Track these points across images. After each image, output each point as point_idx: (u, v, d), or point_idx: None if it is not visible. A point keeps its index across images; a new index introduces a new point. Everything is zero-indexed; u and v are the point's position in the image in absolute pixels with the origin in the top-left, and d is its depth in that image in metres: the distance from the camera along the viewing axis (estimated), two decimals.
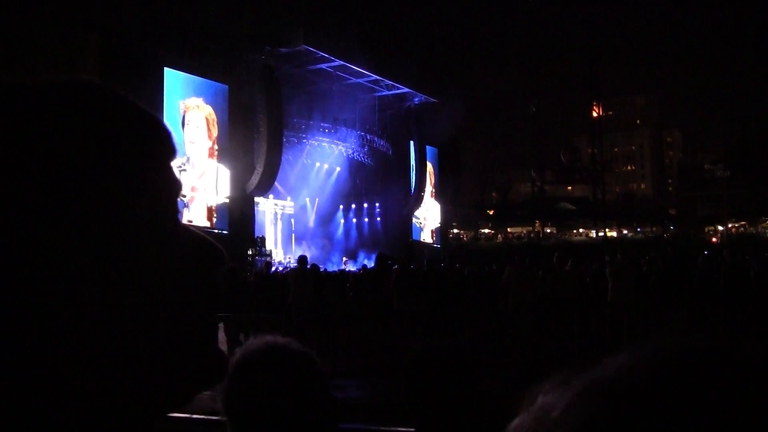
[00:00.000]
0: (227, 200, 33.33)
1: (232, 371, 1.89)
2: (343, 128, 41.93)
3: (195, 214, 31.74)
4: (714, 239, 61.27)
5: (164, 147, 0.77)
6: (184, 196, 31.12)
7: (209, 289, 0.77)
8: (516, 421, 0.55)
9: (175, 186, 0.77)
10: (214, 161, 32.79)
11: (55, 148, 0.67)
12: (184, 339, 0.73)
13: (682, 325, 15.26)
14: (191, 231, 0.79)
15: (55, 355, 0.64)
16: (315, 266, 17.68)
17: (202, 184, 32.25)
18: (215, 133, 32.94)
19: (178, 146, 0.80)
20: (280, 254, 39.12)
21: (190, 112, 31.79)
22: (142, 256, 0.70)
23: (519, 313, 16.91)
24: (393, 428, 3.14)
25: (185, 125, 31.50)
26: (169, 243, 0.74)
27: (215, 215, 32.62)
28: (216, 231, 32.54)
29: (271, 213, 41.22)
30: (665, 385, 0.48)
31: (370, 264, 26.51)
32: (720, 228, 68.29)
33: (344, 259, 41.14)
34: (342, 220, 47.43)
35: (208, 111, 32.66)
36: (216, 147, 32.97)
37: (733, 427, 0.44)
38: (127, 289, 0.68)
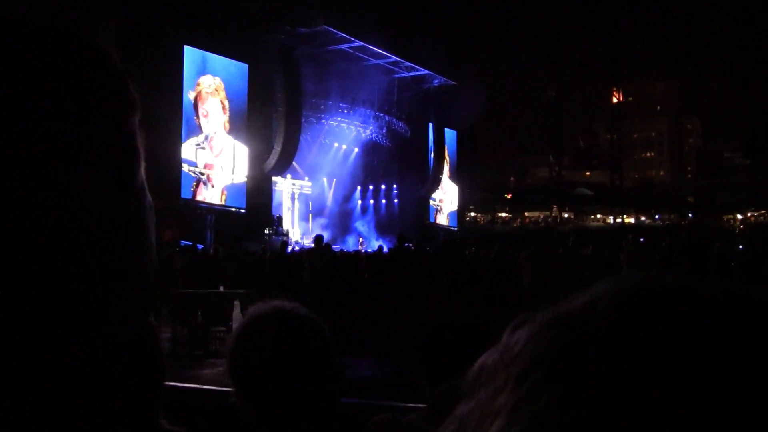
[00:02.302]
0: (245, 179, 33.39)
1: (238, 333, 1.93)
2: (362, 109, 41.87)
3: (212, 192, 31.89)
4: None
5: (124, 102, 0.82)
6: (202, 174, 31.26)
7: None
8: (483, 357, 0.57)
9: (133, 141, 0.83)
10: (230, 138, 32.85)
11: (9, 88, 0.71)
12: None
13: None
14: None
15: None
16: (330, 246, 17.74)
17: (220, 162, 32.32)
18: (228, 107, 32.94)
19: (138, 103, 0.85)
20: (297, 234, 39.15)
21: (205, 90, 31.81)
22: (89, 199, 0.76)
23: (533, 296, 16.92)
24: (404, 404, 3.18)
25: (200, 104, 31.55)
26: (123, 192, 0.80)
27: (224, 193, 32.62)
28: (234, 209, 32.68)
29: (288, 193, 41.26)
30: (619, 319, 0.49)
31: (381, 246, 26.62)
32: (738, 216, 67.88)
33: (360, 240, 41.22)
34: (359, 201, 47.37)
35: (222, 87, 32.65)
36: (228, 122, 33.04)
37: (679, 361, 0.46)
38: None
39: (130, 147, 0.82)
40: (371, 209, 47.45)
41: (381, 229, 43.71)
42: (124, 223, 0.80)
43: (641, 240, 21.38)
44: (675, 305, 0.49)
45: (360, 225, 45.20)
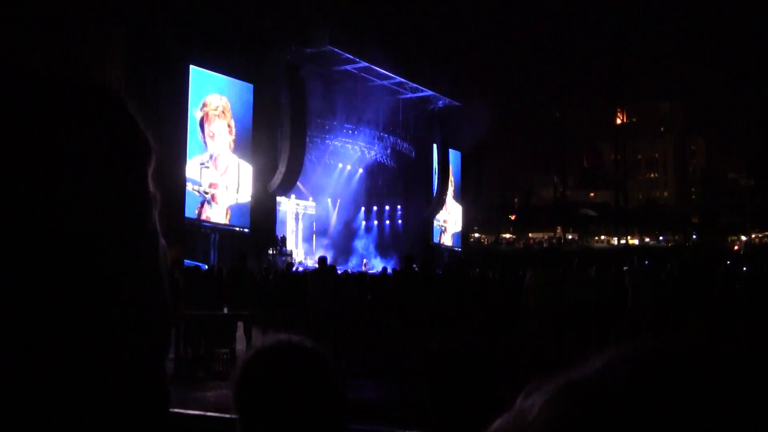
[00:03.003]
0: (250, 198, 33.40)
1: (244, 365, 1.93)
2: (367, 129, 41.78)
3: (217, 210, 31.89)
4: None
5: (141, 152, 0.83)
6: (207, 193, 31.28)
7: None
8: (496, 423, 0.56)
9: (147, 188, 0.83)
10: (235, 157, 32.90)
11: (28, 138, 0.72)
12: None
13: (696, 333, 15.16)
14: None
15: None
16: (335, 267, 17.70)
17: (224, 181, 32.34)
18: (233, 126, 33.02)
19: (155, 152, 0.85)
20: (301, 254, 39.08)
21: (212, 111, 31.87)
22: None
23: (539, 317, 16.90)
24: (408, 431, 3.14)
25: (207, 125, 31.61)
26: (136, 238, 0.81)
27: (229, 212, 32.65)
28: (238, 228, 32.68)
29: (292, 213, 41.20)
30: (636, 388, 0.48)
31: (385, 267, 26.55)
32: (743, 238, 67.75)
33: (364, 260, 41.13)
34: (363, 222, 47.25)
35: (228, 108, 32.71)
36: (233, 141, 33.11)
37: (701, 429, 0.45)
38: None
39: (144, 194, 0.82)
40: (375, 230, 47.34)
41: (383, 250, 43.65)
42: (136, 270, 0.79)
43: (646, 261, 21.38)
44: (691, 375, 0.48)
45: (360, 245, 45.08)
